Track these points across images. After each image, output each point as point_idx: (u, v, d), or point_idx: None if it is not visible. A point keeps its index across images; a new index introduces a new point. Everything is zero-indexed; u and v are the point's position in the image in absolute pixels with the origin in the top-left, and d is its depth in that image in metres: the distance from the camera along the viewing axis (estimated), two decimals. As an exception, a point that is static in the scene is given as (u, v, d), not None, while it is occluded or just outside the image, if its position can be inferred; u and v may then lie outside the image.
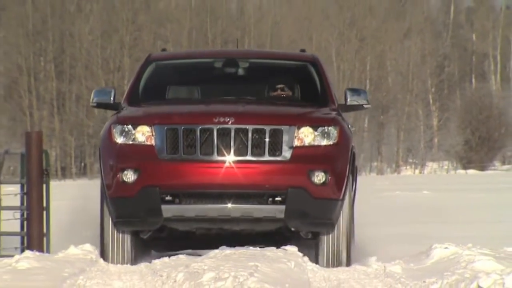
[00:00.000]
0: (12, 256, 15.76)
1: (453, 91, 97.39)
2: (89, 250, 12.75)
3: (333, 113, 11.90)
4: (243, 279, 9.42)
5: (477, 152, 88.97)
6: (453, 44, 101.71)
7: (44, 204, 18.09)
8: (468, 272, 10.43)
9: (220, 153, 10.95)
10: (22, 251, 16.70)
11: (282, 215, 11.03)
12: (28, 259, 14.53)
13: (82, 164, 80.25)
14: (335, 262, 11.46)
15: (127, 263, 11.47)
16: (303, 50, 13.56)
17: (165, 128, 11.03)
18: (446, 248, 13.35)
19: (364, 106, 12.51)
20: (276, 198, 11.00)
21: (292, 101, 12.62)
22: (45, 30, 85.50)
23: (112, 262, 11.56)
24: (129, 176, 10.98)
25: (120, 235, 11.50)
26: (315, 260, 11.49)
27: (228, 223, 11.26)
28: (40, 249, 16.72)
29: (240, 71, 12.78)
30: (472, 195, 40.76)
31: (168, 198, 10.96)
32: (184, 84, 13.15)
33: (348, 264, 11.54)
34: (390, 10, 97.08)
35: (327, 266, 11.41)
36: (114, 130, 11.22)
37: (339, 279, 10.50)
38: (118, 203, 11.12)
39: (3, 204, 19.17)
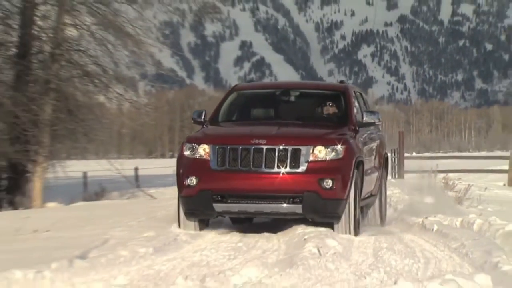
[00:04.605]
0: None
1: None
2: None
3: (348, 133, 9.80)
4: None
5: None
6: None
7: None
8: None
9: (255, 165, 9.21)
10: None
11: (300, 211, 9.26)
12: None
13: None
14: (347, 232, 9.51)
15: (195, 230, 9.78)
16: (342, 81, 11.55)
17: (217, 147, 9.33)
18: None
19: (376, 123, 10.56)
20: (295, 199, 9.22)
21: (321, 121, 10.51)
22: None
23: (184, 229, 9.80)
24: (192, 181, 9.35)
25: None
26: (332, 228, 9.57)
27: (262, 215, 9.75)
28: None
29: (292, 98, 10.86)
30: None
31: (218, 198, 9.31)
32: (251, 108, 11.02)
33: (356, 233, 9.58)
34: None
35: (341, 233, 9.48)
36: (184, 147, 9.59)
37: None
38: (185, 200, 9.50)
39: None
